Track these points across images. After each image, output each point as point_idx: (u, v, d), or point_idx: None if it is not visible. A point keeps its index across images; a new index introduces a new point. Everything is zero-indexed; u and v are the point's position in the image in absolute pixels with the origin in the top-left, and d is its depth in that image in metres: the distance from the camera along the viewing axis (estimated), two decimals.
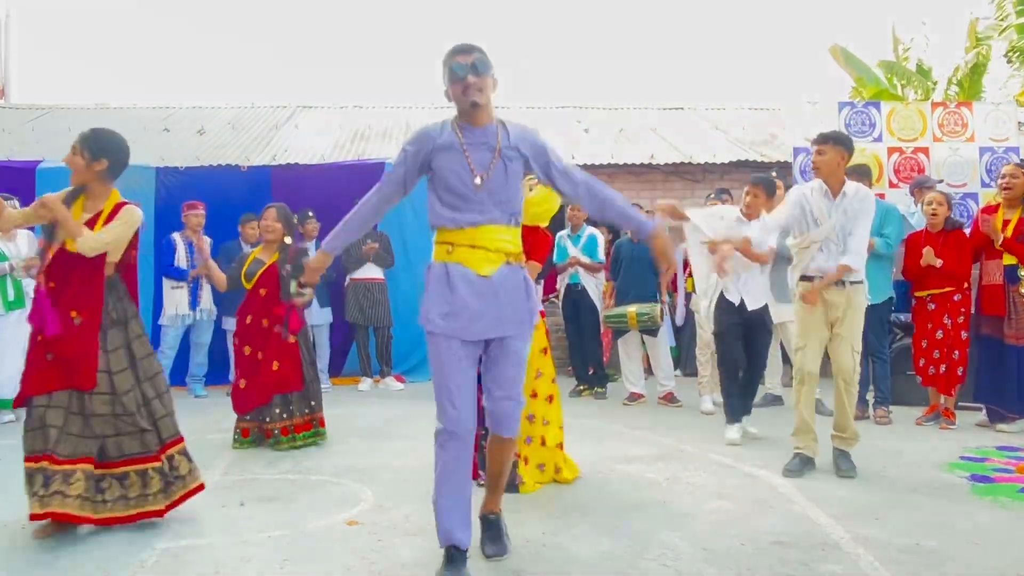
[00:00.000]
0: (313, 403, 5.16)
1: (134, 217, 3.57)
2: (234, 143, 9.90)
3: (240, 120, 11.27)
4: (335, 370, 7.96)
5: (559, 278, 7.51)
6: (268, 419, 5.02)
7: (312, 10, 48.29)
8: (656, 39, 47.97)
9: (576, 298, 7.28)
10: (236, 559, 3.06)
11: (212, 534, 3.37)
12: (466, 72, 2.76)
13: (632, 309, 6.53)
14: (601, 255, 7.31)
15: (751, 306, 5.31)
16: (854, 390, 4.42)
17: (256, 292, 5.15)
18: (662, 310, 6.65)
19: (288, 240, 5.22)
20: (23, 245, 6.32)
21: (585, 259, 7.21)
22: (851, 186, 4.44)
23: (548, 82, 44.99)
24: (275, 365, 5.01)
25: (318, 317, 7.45)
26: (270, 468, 4.55)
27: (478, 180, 2.78)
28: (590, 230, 7.37)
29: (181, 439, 3.58)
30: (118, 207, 3.57)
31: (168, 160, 8.66)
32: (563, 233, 7.43)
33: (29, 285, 6.32)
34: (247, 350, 5.15)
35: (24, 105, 12.43)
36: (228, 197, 7.64)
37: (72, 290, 3.38)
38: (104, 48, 43.97)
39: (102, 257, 3.44)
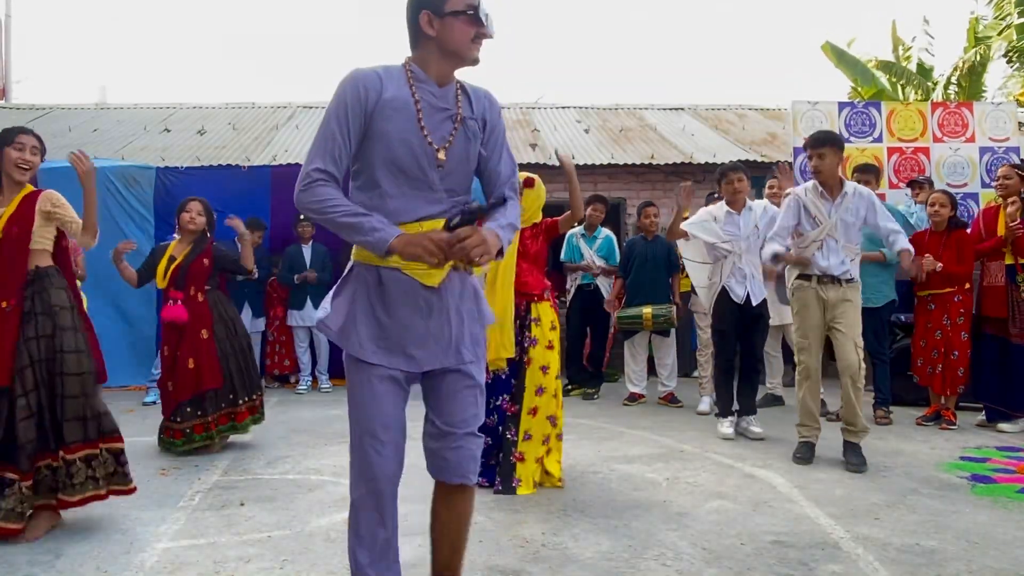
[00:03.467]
0: (241, 397, 5.05)
1: (61, 198, 3.58)
2: (234, 143, 9.90)
3: (240, 120, 11.27)
4: (335, 370, 7.95)
5: (569, 278, 7.47)
6: (179, 419, 4.86)
7: (312, 9, 48.30)
8: (656, 39, 47.97)
9: (588, 299, 7.23)
10: (236, 559, 3.06)
11: (212, 534, 3.37)
12: (490, 24, 2.09)
13: (648, 310, 6.47)
14: (617, 256, 7.22)
15: (756, 300, 5.39)
16: (861, 384, 4.48)
17: (168, 290, 5.05)
18: (677, 310, 6.62)
19: (208, 235, 5.18)
20: None
21: (600, 262, 7.15)
22: (850, 185, 4.53)
23: (548, 82, 45.03)
24: (191, 363, 4.89)
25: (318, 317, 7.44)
26: (270, 468, 4.55)
27: (441, 155, 2.09)
28: (606, 231, 7.33)
29: (94, 443, 3.45)
30: (31, 196, 3.53)
31: (168, 160, 8.66)
32: (577, 232, 7.39)
33: None
34: (165, 350, 5.04)
35: (25, 105, 12.43)
36: (228, 197, 7.64)
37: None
38: (104, 48, 43.99)
39: (25, 244, 3.41)
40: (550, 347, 4.13)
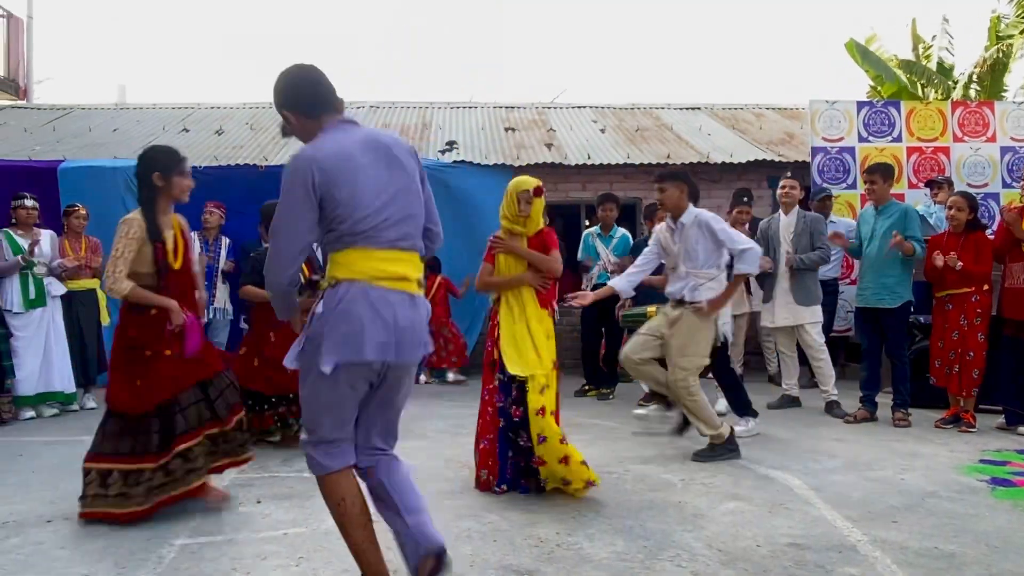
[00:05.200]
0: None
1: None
2: (252, 143, 9.95)
3: (258, 120, 11.33)
4: None
5: (585, 277, 7.45)
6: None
7: (327, 10, 48.52)
8: (673, 38, 47.80)
9: (603, 299, 7.17)
10: (253, 556, 3.08)
11: (229, 531, 3.40)
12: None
13: (652, 309, 6.44)
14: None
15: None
16: (686, 401, 4.66)
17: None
18: None
19: None
20: (45, 245, 6.39)
21: (616, 261, 7.11)
22: (689, 216, 4.76)
23: (564, 81, 44.97)
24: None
25: None
26: (285, 466, 4.58)
27: None
28: (622, 231, 7.30)
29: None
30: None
31: (187, 160, 8.71)
32: (593, 231, 7.36)
33: (51, 284, 6.41)
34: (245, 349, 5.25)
35: (46, 105, 12.57)
36: (246, 197, 7.69)
37: None
38: (124, 48, 44.39)
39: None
40: (548, 338, 4.07)
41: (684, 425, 4.86)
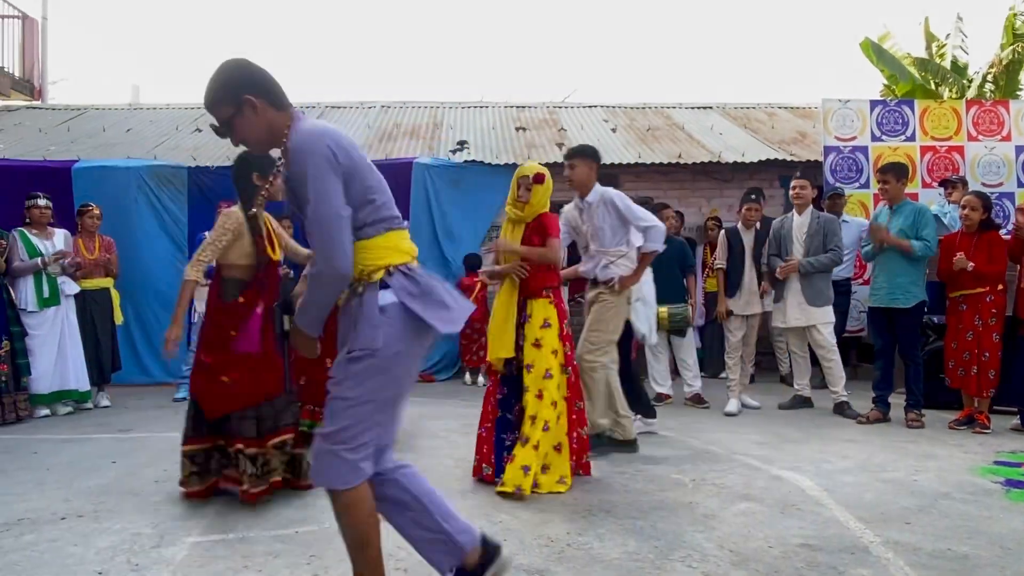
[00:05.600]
0: None
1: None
2: None
3: None
4: None
5: None
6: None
7: (338, 10, 48.66)
8: (685, 37, 47.66)
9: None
10: (264, 554, 3.10)
11: (241, 529, 3.41)
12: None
13: (663, 310, 6.45)
14: None
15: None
16: (586, 378, 4.58)
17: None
18: (693, 310, 6.60)
19: None
20: (59, 243, 6.45)
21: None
22: (595, 194, 4.73)
23: (575, 81, 44.90)
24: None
25: None
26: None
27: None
28: None
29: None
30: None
31: (200, 160, 8.78)
32: None
33: (65, 283, 6.46)
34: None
35: (60, 106, 12.66)
36: None
37: None
38: (137, 49, 44.68)
39: None
40: (536, 345, 4.07)
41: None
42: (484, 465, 4.10)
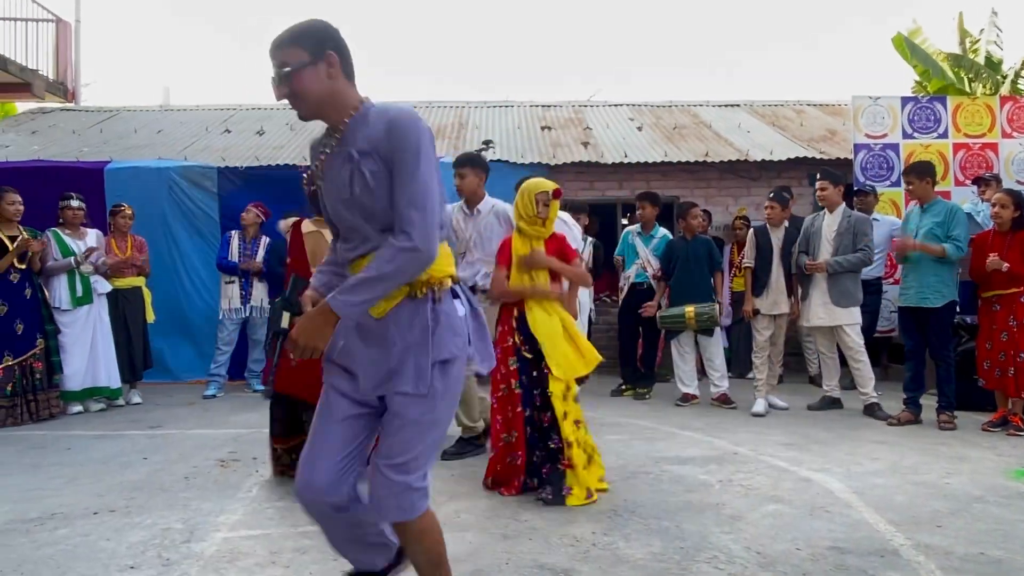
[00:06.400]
0: None
1: None
2: (292, 143, 10.09)
3: (297, 121, 11.41)
4: None
5: (622, 276, 7.41)
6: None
7: (365, 10, 48.93)
8: (711, 34, 47.29)
9: (640, 297, 7.14)
10: (292, 550, 3.13)
11: (269, 525, 3.45)
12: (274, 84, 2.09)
13: (690, 309, 6.42)
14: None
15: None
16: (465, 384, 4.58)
17: None
18: (720, 309, 6.54)
19: None
20: (91, 243, 6.56)
21: (656, 263, 7.02)
22: (487, 204, 4.78)
23: (600, 79, 44.74)
24: None
25: None
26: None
27: (324, 193, 2.17)
28: (663, 231, 7.21)
29: None
30: None
31: (229, 160, 8.88)
32: (633, 230, 7.30)
33: (97, 282, 6.57)
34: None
35: (93, 108, 12.88)
36: (286, 197, 7.79)
37: None
38: (168, 51, 45.29)
39: None
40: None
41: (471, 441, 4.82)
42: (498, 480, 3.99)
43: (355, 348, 2.12)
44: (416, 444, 2.06)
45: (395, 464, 2.04)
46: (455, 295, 2.16)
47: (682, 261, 6.70)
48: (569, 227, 5.09)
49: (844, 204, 6.28)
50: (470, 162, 4.84)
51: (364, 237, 2.07)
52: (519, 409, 3.94)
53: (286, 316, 2.23)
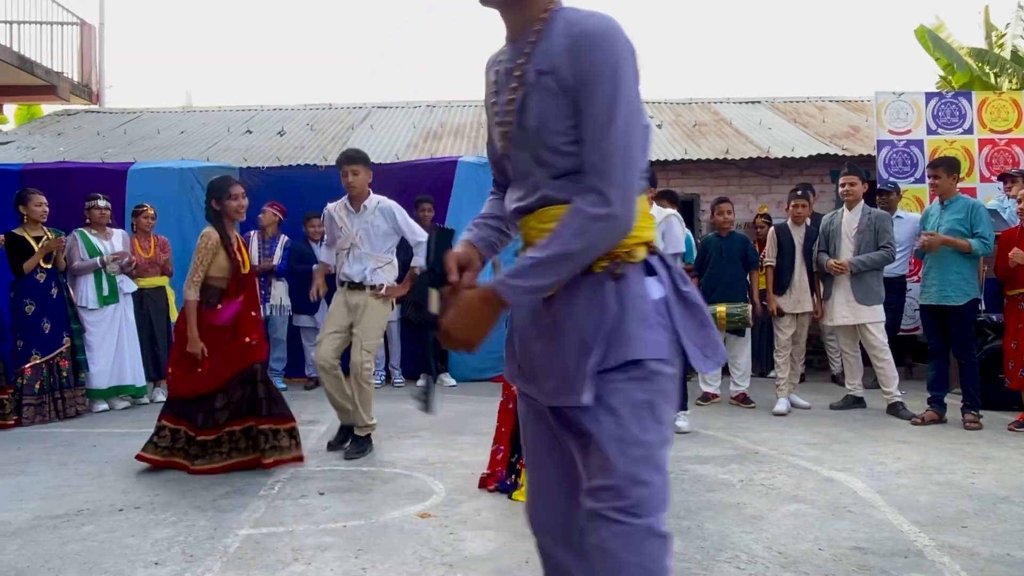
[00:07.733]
0: None
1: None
2: (312, 143, 10.16)
3: (318, 121, 11.55)
4: (408, 367, 8.02)
5: None
6: None
7: (385, 11, 49.09)
8: (732, 30, 46.96)
9: None
10: (313, 547, 3.15)
11: (291, 522, 3.48)
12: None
13: (721, 308, 6.21)
14: (694, 254, 6.85)
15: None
16: (364, 385, 4.77)
17: None
18: (753, 310, 6.38)
19: None
20: (117, 243, 6.65)
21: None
22: (373, 200, 4.89)
23: None
24: None
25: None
26: (345, 460, 4.66)
27: (499, 129, 1.64)
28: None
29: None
30: None
31: (250, 161, 8.96)
32: None
33: (123, 282, 6.65)
34: None
35: (117, 109, 13.05)
36: (307, 196, 7.85)
37: None
38: (190, 53, 45.73)
39: None
40: None
41: (345, 439, 4.91)
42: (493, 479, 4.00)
43: (529, 345, 1.62)
44: (618, 463, 1.46)
45: (617, 505, 1.46)
46: (650, 270, 1.55)
47: (715, 258, 6.52)
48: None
49: (863, 201, 6.21)
50: (363, 160, 4.91)
51: (534, 185, 1.56)
52: (510, 405, 3.96)
53: (434, 295, 1.59)
